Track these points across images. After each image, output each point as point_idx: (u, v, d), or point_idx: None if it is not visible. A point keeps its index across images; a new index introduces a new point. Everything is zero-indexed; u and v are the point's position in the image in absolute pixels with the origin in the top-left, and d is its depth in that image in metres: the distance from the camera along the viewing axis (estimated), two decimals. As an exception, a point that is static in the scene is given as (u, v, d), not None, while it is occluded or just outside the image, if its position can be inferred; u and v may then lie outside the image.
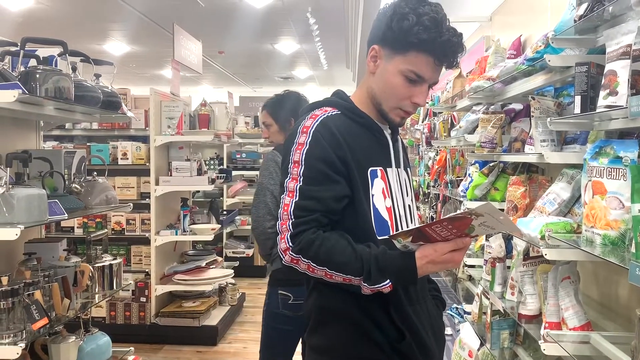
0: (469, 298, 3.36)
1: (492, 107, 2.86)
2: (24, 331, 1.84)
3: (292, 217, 1.27)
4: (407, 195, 1.47)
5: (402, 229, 1.39)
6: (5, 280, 1.86)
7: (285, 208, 1.28)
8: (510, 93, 2.45)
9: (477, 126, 2.95)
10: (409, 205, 1.47)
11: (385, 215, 1.36)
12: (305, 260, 1.26)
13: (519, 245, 2.31)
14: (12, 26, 6.91)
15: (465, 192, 2.88)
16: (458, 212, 1.20)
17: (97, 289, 2.46)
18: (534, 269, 2.11)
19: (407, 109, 1.38)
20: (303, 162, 1.29)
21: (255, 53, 10.78)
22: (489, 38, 3.53)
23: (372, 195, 1.34)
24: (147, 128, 4.21)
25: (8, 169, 1.90)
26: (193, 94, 6.11)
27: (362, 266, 1.24)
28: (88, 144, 4.42)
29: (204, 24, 7.69)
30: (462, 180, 3.23)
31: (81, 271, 2.36)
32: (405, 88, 1.34)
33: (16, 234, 1.75)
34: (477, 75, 2.86)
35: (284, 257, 1.28)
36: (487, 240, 2.67)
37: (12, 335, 1.80)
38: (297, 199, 1.28)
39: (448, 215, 1.17)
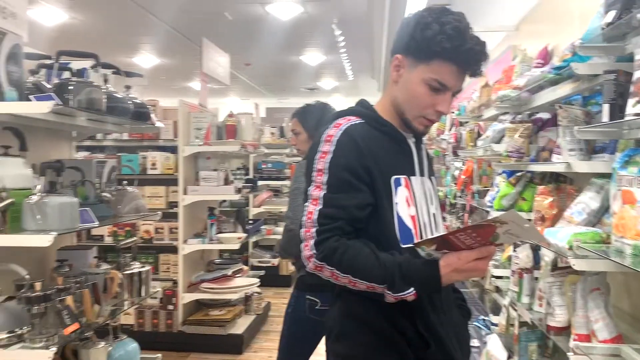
0: (496, 309, 3.31)
1: (519, 116, 2.84)
2: (56, 336, 1.88)
3: (316, 224, 1.28)
4: (432, 204, 1.47)
5: (426, 237, 1.39)
6: (38, 285, 1.91)
7: (309, 215, 1.30)
8: (537, 102, 2.43)
9: (504, 136, 2.93)
10: (434, 214, 1.46)
11: (409, 223, 1.36)
12: (329, 267, 1.27)
13: (546, 255, 2.28)
14: (47, 40, 7.13)
15: (492, 202, 2.85)
16: (482, 221, 1.20)
17: (126, 296, 2.51)
18: (562, 280, 2.08)
19: (430, 117, 1.38)
20: (327, 171, 1.31)
21: (281, 65, 10.89)
22: (515, 47, 3.51)
23: (396, 203, 1.34)
24: (175, 138, 4.28)
25: (42, 177, 1.96)
26: (220, 106, 6.20)
27: (385, 274, 1.24)
28: (118, 154, 4.51)
29: (231, 36, 7.81)
30: (489, 190, 3.21)
31: (111, 278, 2.41)
32: (428, 96, 1.35)
33: (49, 241, 1.80)
34: (503, 85, 2.85)
35: (308, 264, 1.30)
36: (514, 250, 2.63)
37: (44, 339, 1.85)
38: (321, 206, 1.29)
39: (472, 223, 1.17)
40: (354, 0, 6.53)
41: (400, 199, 1.35)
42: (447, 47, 1.28)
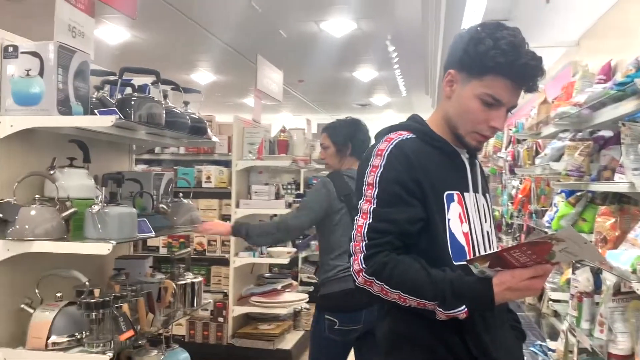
0: (554, 335, 3.18)
1: (579, 134, 2.75)
2: (112, 341, 1.94)
3: (366, 238, 1.27)
4: (486, 221, 1.43)
5: (479, 255, 1.35)
6: (97, 292, 1.98)
7: (359, 229, 1.29)
8: (598, 119, 2.34)
9: (563, 154, 2.84)
10: (488, 232, 1.43)
11: (462, 240, 1.33)
12: (378, 282, 1.25)
13: (608, 279, 2.18)
14: (110, 58, 7.48)
15: (550, 223, 2.76)
16: (538, 237, 1.16)
17: (178, 306, 2.56)
18: (625, 306, 1.98)
19: (484, 133, 1.36)
20: (377, 184, 1.30)
21: (334, 81, 10.97)
22: (576, 63, 3.41)
23: (448, 219, 1.32)
24: (229, 153, 4.37)
25: (104, 188, 2.04)
26: (273, 121, 6.30)
27: (436, 290, 1.22)
28: (175, 167, 4.65)
29: (285, 54, 7.94)
30: (547, 210, 3.11)
31: (165, 288, 2.46)
32: (482, 112, 1.33)
33: (109, 249, 1.87)
34: (563, 101, 2.77)
35: (357, 279, 1.28)
36: (573, 273, 2.53)
37: (101, 344, 1.91)
38: (370, 220, 1.28)
39: (527, 240, 1.14)
40: (409, 16, 6.52)
41: (453, 215, 1.33)
42: (500, 61, 1.27)
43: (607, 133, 2.58)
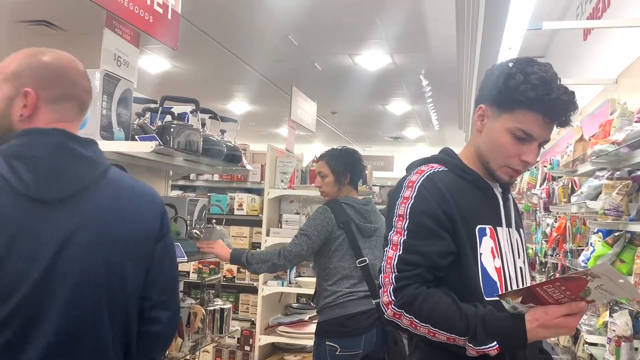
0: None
1: (617, 172, 2.70)
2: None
3: (396, 270, 1.26)
4: (519, 257, 1.41)
5: (511, 289, 1.33)
6: (129, 315, 2.01)
7: (389, 261, 1.28)
8: (637, 158, 2.30)
9: (600, 192, 2.78)
10: (521, 268, 1.40)
11: (494, 275, 1.31)
12: (408, 315, 1.24)
13: (648, 324, 2.10)
14: (151, 86, 7.72)
15: (586, 263, 2.69)
16: (572, 272, 1.13)
17: (207, 332, 2.57)
18: (666, 352, 1.90)
19: (515, 167, 1.35)
20: (408, 216, 1.29)
21: (367, 113, 11.05)
22: (614, 101, 3.36)
23: (480, 253, 1.31)
24: (262, 181, 4.43)
25: (141, 212, 2.08)
26: (305, 151, 6.36)
27: (467, 325, 1.19)
28: (208, 194, 4.72)
29: (319, 85, 8.07)
30: (583, 249, 3.03)
31: (194, 313, 2.48)
32: (513, 146, 1.32)
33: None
34: (600, 139, 2.73)
35: (386, 311, 1.27)
36: (611, 316, 2.45)
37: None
38: (401, 252, 1.27)
39: (561, 275, 1.11)
40: (443, 51, 6.57)
41: (485, 249, 1.31)
42: (531, 96, 1.27)
43: (647, 173, 2.52)
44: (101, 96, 1.98)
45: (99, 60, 2.05)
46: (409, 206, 1.30)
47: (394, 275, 1.26)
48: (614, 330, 2.36)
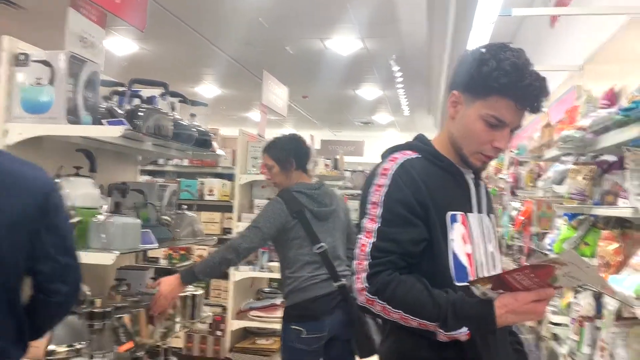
0: (553, 359, 3.16)
1: (582, 157, 2.76)
2: (112, 352, 1.93)
3: (370, 257, 1.27)
4: (490, 242, 1.43)
5: (482, 276, 1.35)
6: (98, 302, 1.98)
7: (363, 248, 1.29)
8: (602, 144, 2.35)
9: (565, 177, 2.84)
10: (492, 253, 1.43)
11: (464, 261, 1.33)
12: (380, 302, 1.25)
13: (610, 304, 2.17)
14: (118, 69, 7.54)
15: (552, 246, 2.76)
16: (540, 260, 1.16)
17: (178, 319, 2.55)
18: (627, 331, 1.97)
19: (488, 154, 1.37)
20: (382, 204, 1.30)
21: (338, 98, 11.04)
22: (580, 87, 3.43)
23: (451, 240, 1.33)
24: (233, 166, 4.39)
25: (109, 198, 2.05)
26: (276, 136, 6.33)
27: (439, 312, 1.22)
28: (178, 179, 4.66)
29: (290, 70, 8.00)
30: (548, 233, 3.11)
31: (165, 300, 2.46)
32: (485, 132, 1.33)
33: (112, 259, 1.87)
34: (566, 125, 2.78)
35: (359, 297, 1.28)
36: (575, 297, 2.53)
37: (100, 355, 1.90)
38: (374, 239, 1.28)
39: (530, 263, 1.14)
40: (414, 36, 6.59)
41: (456, 235, 1.33)
42: (504, 82, 1.27)
43: (611, 157, 2.59)
44: (66, 79, 1.92)
45: (64, 41, 1.99)
46: (383, 194, 1.31)
47: (367, 262, 1.27)
48: (577, 311, 2.44)
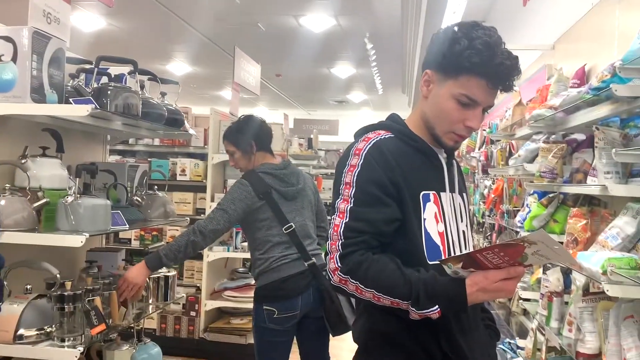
0: (523, 333, 3.25)
1: (553, 136, 2.80)
2: (83, 335, 1.90)
3: (342, 237, 1.28)
4: (462, 221, 1.45)
5: (454, 254, 1.37)
6: (68, 285, 1.94)
7: (336, 229, 1.29)
8: (572, 123, 2.39)
9: (536, 155, 2.88)
10: (464, 231, 1.44)
11: (437, 239, 1.34)
12: (353, 281, 1.26)
13: (578, 279, 2.23)
14: (85, 46, 7.32)
15: (522, 223, 2.81)
16: (510, 239, 1.18)
17: (151, 300, 2.53)
18: (594, 306, 2.03)
19: (460, 133, 1.37)
20: (354, 184, 1.30)
21: (311, 77, 10.96)
22: (551, 66, 3.46)
23: (424, 219, 1.33)
24: (205, 146, 4.33)
25: (77, 179, 2.00)
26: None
27: (410, 290, 1.22)
28: (149, 159, 4.58)
29: (263, 47, 7.89)
30: (519, 210, 3.16)
31: (137, 281, 2.43)
32: (457, 112, 1.33)
33: (81, 242, 1.83)
34: (538, 104, 2.81)
35: (332, 277, 1.29)
36: (544, 273, 2.58)
37: (72, 338, 1.87)
38: (347, 220, 1.29)
39: (500, 242, 1.15)
40: (388, 14, 6.56)
41: (429, 214, 1.34)
42: (475, 61, 1.27)
43: (580, 136, 2.63)
44: (30, 56, 1.85)
45: (27, 16, 1.91)
46: (356, 174, 1.31)
47: (340, 242, 1.27)
48: (546, 287, 2.49)
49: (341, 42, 8.11)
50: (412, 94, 10.15)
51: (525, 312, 3.03)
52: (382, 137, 1.36)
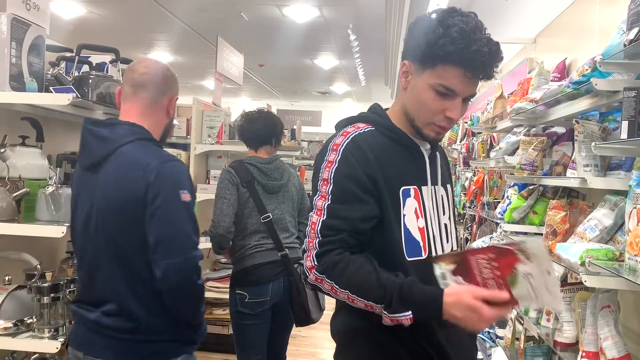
0: (502, 322, 3.29)
1: (533, 129, 2.83)
2: (64, 326, 1.89)
3: (319, 235, 1.25)
4: (444, 214, 1.42)
5: (435, 249, 1.34)
6: (49, 276, 1.92)
7: (313, 226, 1.26)
8: (553, 116, 2.42)
9: (517, 148, 2.92)
10: (446, 224, 1.42)
11: (417, 235, 1.31)
12: (328, 281, 1.24)
13: (556, 270, 2.27)
14: (64, 33, 7.20)
15: (502, 215, 2.84)
16: (507, 242, 1.15)
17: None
18: (572, 296, 2.07)
19: (440, 124, 1.32)
20: (332, 181, 1.27)
21: (295, 67, 10.92)
22: (532, 60, 3.50)
23: (404, 215, 1.30)
24: (188, 136, 4.30)
25: (58, 169, 1.97)
26: (232, 105, 6.23)
27: (384, 293, 1.20)
28: (130, 149, 4.53)
29: (246, 37, 7.84)
30: (499, 202, 3.19)
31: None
32: (436, 102, 1.28)
33: (62, 232, 1.81)
34: (519, 97, 2.84)
35: (308, 275, 1.26)
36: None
37: (52, 330, 1.86)
38: (324, 217, 1.25)
39: (495, 243, 1.13)
40: (371, 5, 6.55)
41: (409, 210, 1.31)
42: (450, 50, 1.22)
43: (560, 129, 2.67)
44: (9, 43, 1.82)
45: (5, 2, 1.87)
46: (333, 170, 1.27)
47: (317, 240, 1.25)
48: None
49: (324, 32, 8.08)
50: (395, 86, 10.17)
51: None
52: (361, 132, 1.32)
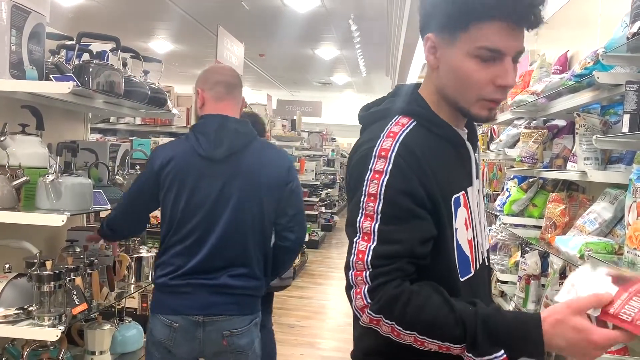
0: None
1: (534, 122, 2.83)
2: (64, 315, 1.90)
3: (370, 266, 1.00)
4: (482, 212, 1.22)
5: (479, 260, 1.14)
6: (49, 264, 1.92)
7: (360, 256, 1.01)
8: (554, 109, 2.42)
9: (517, 140, 2.92)
10: (484, 224, 1.22)
11: (467, 250, 1.11)
12: (388, 322, 0.99)
13: (555, 263, 2.28)
14: (64, 21, 7.17)
15: (502, 207, 2.85)
16: None
17: (132, 280, 2.52)
18: (570, 289, 2.07)
19: (492, 97, 1.07)
20: (382, 196, 1.02)
21: (295, 57, 10.89)
22: (533, 52, 3.49)
23: (456, 229, 1.09)
24: (187, 126, 4.29)
25: (58, 157, 1.97)
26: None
27: (464, 331, 0.96)
28: (130, 138, 4.52)
29: (247, 26, 7.81)
30: (499, 194, 3.20)
31: (119, 261, 2.42)
32: (482, 72, 1.04)
33: (62, 221, 1.81)
34: (520, 89, 2.83)
35: (361, 316, 1.02)
36: (522, 256, 2.63)
37: (52, 317, 1.86)
38: (375, 244, 1.01)
39: None
40: (373, -4, 6.52)
41: (460, 223, 1.10)
42: (486, 1, 1.00)
43: (561, 122, 2.66)
44: (9, 30, 1.81)
45: (5, -11, 1.86)
46: (384, 183, 1.02)
47: (368, 272, 1.00)
48: (524, 269, 2.54)
49: (326, 23, 8.05)
50: (396, 77, 10.14)
51: (502, 294, 3.09)
52: (408, 131, 1.08)
